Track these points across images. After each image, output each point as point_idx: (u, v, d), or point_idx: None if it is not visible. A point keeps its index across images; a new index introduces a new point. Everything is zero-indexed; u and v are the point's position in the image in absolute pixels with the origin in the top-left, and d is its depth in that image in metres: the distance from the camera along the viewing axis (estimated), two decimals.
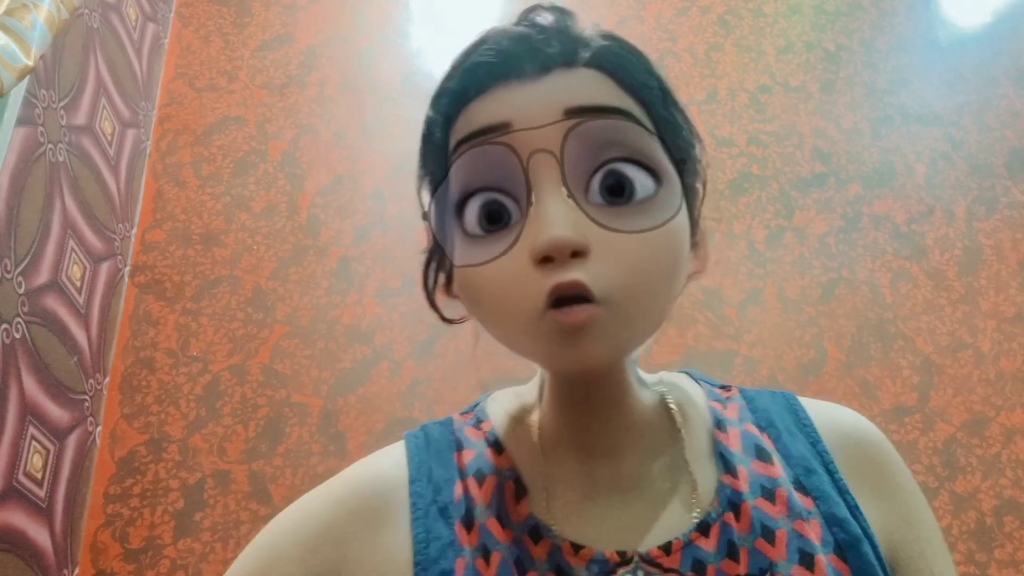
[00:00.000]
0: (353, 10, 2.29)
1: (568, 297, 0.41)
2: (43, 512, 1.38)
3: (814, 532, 0.48)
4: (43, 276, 1.47)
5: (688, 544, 0.47)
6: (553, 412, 0.51)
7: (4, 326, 1.33)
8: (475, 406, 0.58)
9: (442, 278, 0.52)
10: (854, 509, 0.50)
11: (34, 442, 1.38)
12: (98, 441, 1.61)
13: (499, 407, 0.56)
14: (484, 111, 0.44)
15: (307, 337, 1.76)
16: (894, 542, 0.51)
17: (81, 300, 1.60)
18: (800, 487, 0.50)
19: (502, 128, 0.43)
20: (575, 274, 0.40)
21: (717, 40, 2.28)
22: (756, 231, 1.96)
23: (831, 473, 0.51)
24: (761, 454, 0.52)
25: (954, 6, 2.41)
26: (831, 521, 0.49)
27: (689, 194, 0.47)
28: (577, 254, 0.41)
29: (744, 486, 0.50)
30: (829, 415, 0.56)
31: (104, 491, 1.57)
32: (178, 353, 1.72)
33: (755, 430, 0.54)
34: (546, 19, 0.46)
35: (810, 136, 2.11)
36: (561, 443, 0.51)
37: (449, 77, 0.47)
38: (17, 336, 1.36)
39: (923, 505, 0.53)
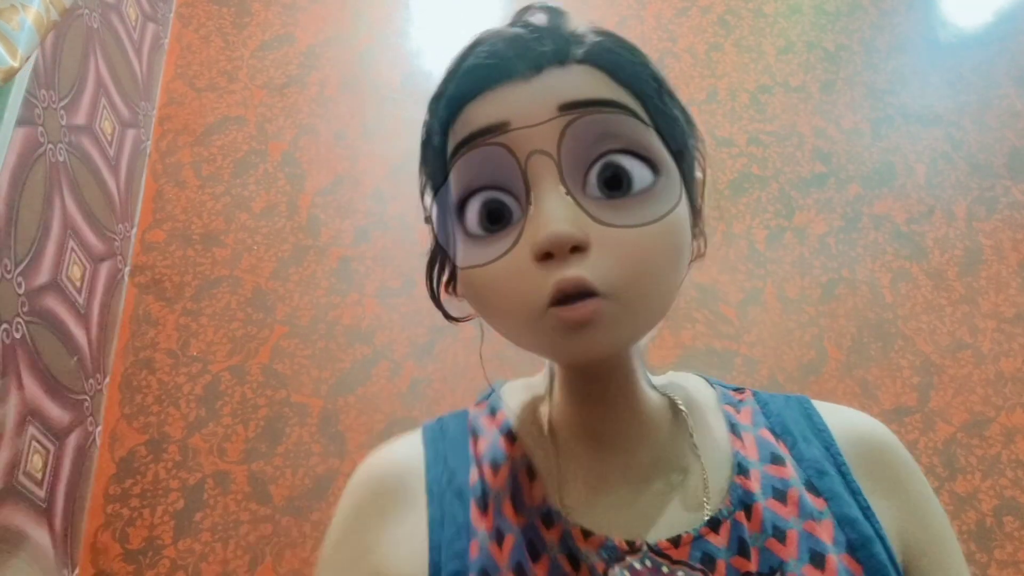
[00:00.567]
0: (353, 10, 2.29)
1: (570, 295, 0.41)
2: (43, 512, 1.38)
3: (826, 532, 0.49)
4: (43, 276, 1.47)
5: (698, 538, 0.48)
6: (563, 404, 0.52)
7: (4, 326, 1.33)
8: (488, 395, 0.58)
9: (446, 278, 0.52)
10: (866, 510, 0.50)
11: (34, 442, 1.38)
12: (98, 441, 1.61)
13: (512, 397, 0.57)
14: (480, 113, 0.44)
15: (307, 337, 1.76)
16: (908, 543, 0.51)
17: (81, 300, 1.60)
18: (812, 488, 0.51)
19: (499, 128, 0.43)
20: (576, 270, 0.41)
21: (717, 40, 2.28)
22: (756, 231, 1.96)
23: (843, 475, 0.52)
24: (776, 460, 0.52)
25: (954, 6, 2.41)
26: (843, 521, 0.49)
27: (689, 184, 0.47)
28: (577, 249, 0.41)
29: (756, 487, 0.50)
30: (844, 419, 0.56)
31: (104, 491, 1.57)
32: (178, 353, 1.72)
33: (770, 436, 0.54)
34: (539, 19, 0.47)
35: (810, 136, 2.11)
36: (572, 434, 0.52)
37: (445, 81, 0.47)
38: (17, 336, 1.36)
39: (937, 508, 0.53)
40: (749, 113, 2.14)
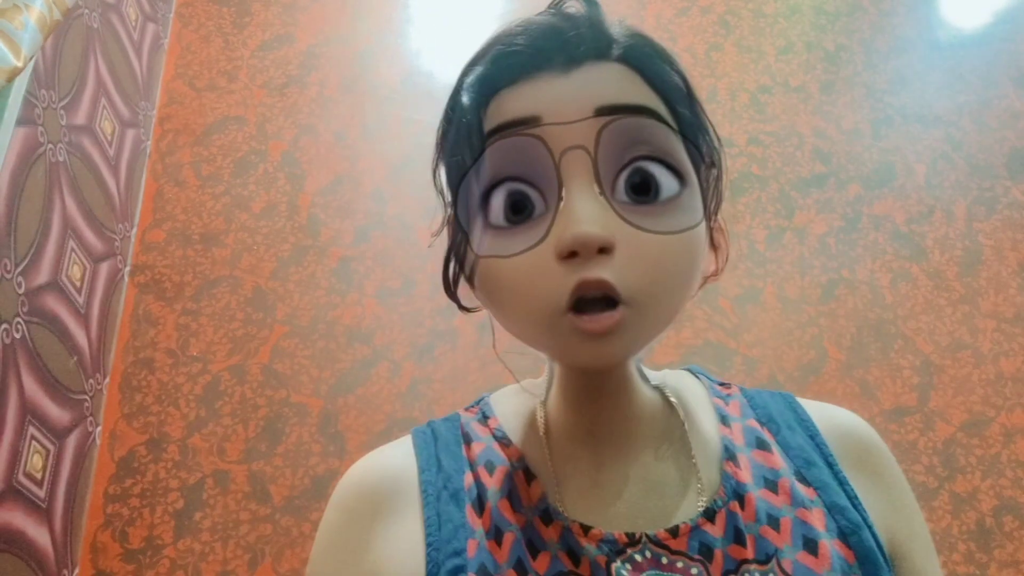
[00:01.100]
0: (353, 10, 2.29)
1: (590, 299, 0.41)
2: (43, 512, 1.38)
3: (817, 520, 0.49)
4: (43, 276, 1.47)
5: (695, 528, 0.49)
6: (562, 404, 0.52)
7: (4, 326, 1.33)
8: (479, 402, 0.58)
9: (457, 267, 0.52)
10: (853, 499, 0.51)
11: (34, 442, 1.38)
12: (98, 441, 1.61)
13: (504, 404, 0.57)
14: (515, 102, 0.44)
15: (307, 337, 1.76)
16: (890, 531, 0.52)
17: (81, 300, 1.60)
18: (802, 478, 0.52)
19: (533, 121, 0.43)
20: (600, 272, 0.41)
21: (717, 40, 2.28)
22: (756, 231, 1.96)
23: (830, 465, 0.53)
24: (762, 445, 0.53)
25: (954, 7, 2.41)
26: (833, 509, 0.50)
27: (707, 197, 0.48)
28: (603, 251, 0.41)
29: (747, 477, 0.51)
30: (826, 412, 0.57)
31: (104, 491, 1.57)
32: (178, 353, 1.72)
33: (756, 425, 0.55)
34: (576, 10, 0.47)
35: (810, 136, 2.12)
36: (569, 434, 0.52)
37: (479, 63, 0.47)
38: (17, 336, 1.36)
39: (915, 505, 0.55)
40: (749, 113, 2.14)
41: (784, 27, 2.32)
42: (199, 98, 2.09)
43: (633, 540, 0.48)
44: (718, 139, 0.50)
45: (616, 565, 0.47)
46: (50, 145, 1.55)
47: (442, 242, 0.52)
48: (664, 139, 0.44)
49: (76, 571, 1.47)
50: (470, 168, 0.45)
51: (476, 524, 0.49)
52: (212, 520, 1.54)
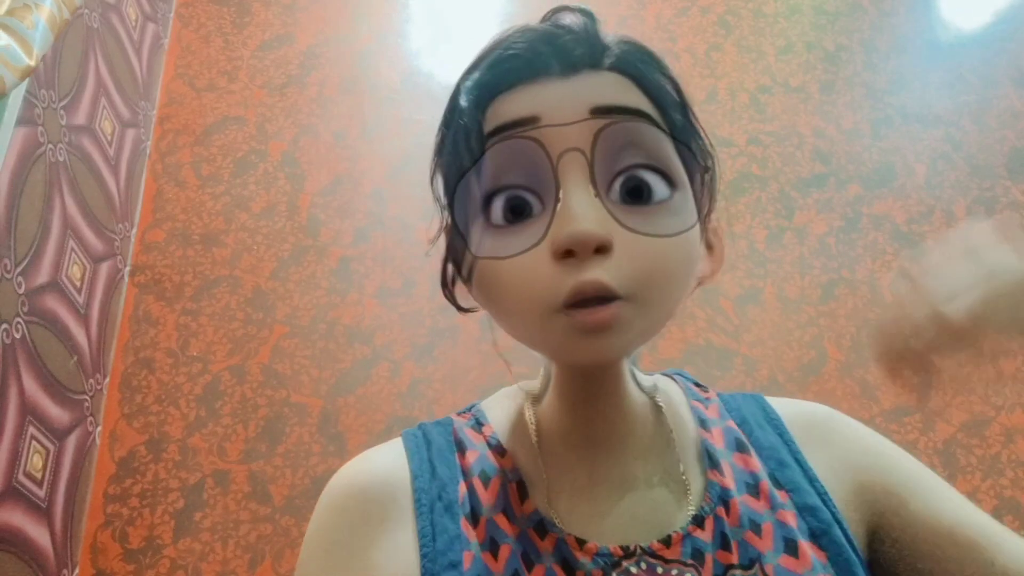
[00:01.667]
0: (353, 10, 2.29)
1: (590, 296, 0.42)
2: (43, 512, 1.38)
3: (792, 521, 0.50)
4: (43, 276, 1.47)
5: (687, 535, 0.49)
6: (557, 407, 0.53)
7: (4, 326, 1.33)
8: (471, 408, 0.58)
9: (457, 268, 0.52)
10: (824, 495, 0.51)
11: (34, 442, 1.38)
12: (98, 441, 1.61)
13: (496, 410, 0.57)
14: (513, 105, 0.45)
15: (307, 337, 1.76)
16: (872, 496, 0.51)
17: (81, 300, 1.60)
18: (775, 481, 0.52)
19: (531, 122, 0.44)
20: (596, 273, 0.42)
21: (717, 40, 2.28)
22: (756, 231, 1.96)
23: (799, 462, 0.53)
24: (741, 447, 0.54)
25: (954, 7, 2.41)
26: (803, 510, 0.51)
27: (700, 201, 0.49)
28: (600, 250, 0.42)
29: (730, 483, 0.52)
30: (791, 407, 0.58)
31: (104, 491, 1.57)
32: (178, 353, 1.72)
33: (734, 426, 0.56)
34: (572, 20, 0.48)
35: (810, 136, 2.11)
36: (562, 439, 0.53)
37: (477, 68, 0.48)
38: (17, 336, 1.36)
39: (893, 451, 0.54)
40: (749, 113, 2.14)
41: (784, 27, 2.31)
42: (199, 98, 2.09)
43: (628, 552, 0.48)
44: (711, 144, 0.51)
45: None
46: (50, 145, 1.55)
47: (441, 243, 0.52)
48: (657, 143, 0.45)
49: (76, 571, 1.47)
50: (469, 170, 0.45)
51: (471, 536, 0.49)
52: (212, 520, 1.54)
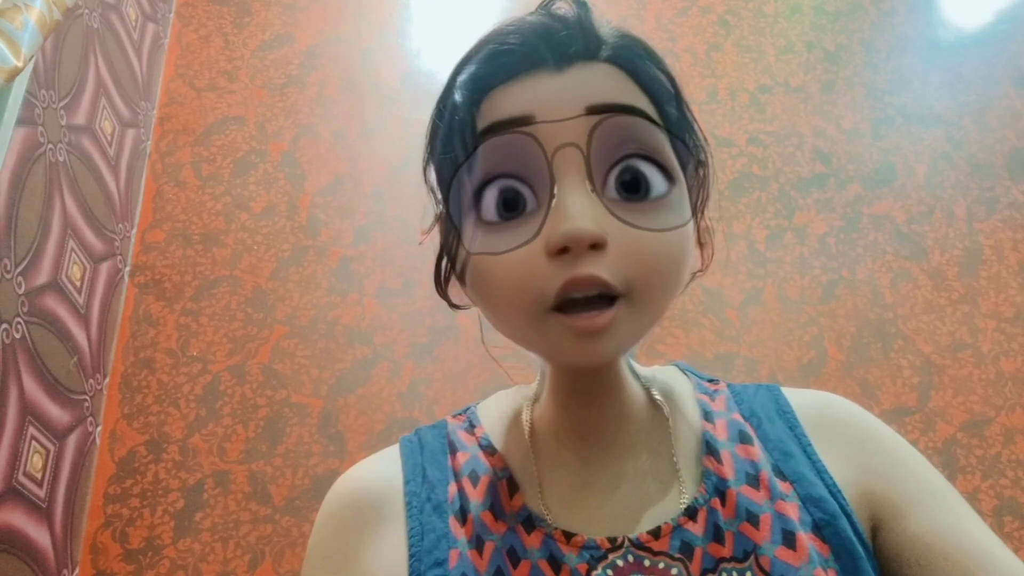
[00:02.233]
0: (353, 10, 2.29)
1: (581, 298, 0.41)
2: (43, 512, 1.38)
3: (793, 513, 0.49)
4: (43, 276, 1.47)
5: (676, 528, 0.49)
6: (552, 405, 0.52)
7: (4, 326, 1.33)
8: (466, 411, 0.59)
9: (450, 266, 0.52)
10: (832, 487, 0.50)
11: (34, 442, 1.38)
12: (98, 441, 1.61)
13: (490, 411, 0.58)
14: (508, 101, 0.45)
15: (307, 337, 1.76)
16: (876, 494, 0.50)
17: (81, 300, 1.60)
18: (778, 472, 0.51)
19: (526, 121, 0.44)
20: (591, 269, 0.41)
21: (717, 40, 2.28)
22: (756, 231, 1.96)
23: (808, 455, 0.52)
24: (744, 438, 0.53)
25: (954, 6, 2.41)
26: (808, 501, 0.50)
27: (694, 195, 0.48)
28: (595, 247, 0.41)
29: (729, 473, 0.51)
30: (807, 398, 0.57)
31: (104, 491, 1.57)
32: (178, 353, 1.72)
33: (740, 418, 0.55)
34: (566, 11, 0.47)
35: (810, 136, 2.11)
36: (555, 436, 0.53)
37: (471, 61, 0.47)
38: (17, 336, 1.36)
39: (911, 456, 0.52)
40: (749, 113, 2.14)
41: (784, 27, 2.31)
42: (199, 98, 2.09)
43: (615, 545, 0.48)
44: (705, 138, 0.50)
45: (597, 573, 0.47)
46: (50, 145, 1.55)
47: (436, 240, 0.52)
48: (652, 138, 0.44)
49: (76, 571, 1.47)
50: (462, 164, 0.45)
51: (459, 534, 0.49)
52: (212, 520, 1.54)
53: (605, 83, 0.45)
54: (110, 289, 1.73)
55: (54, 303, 1.50)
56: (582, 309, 0.42)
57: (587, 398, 0.51)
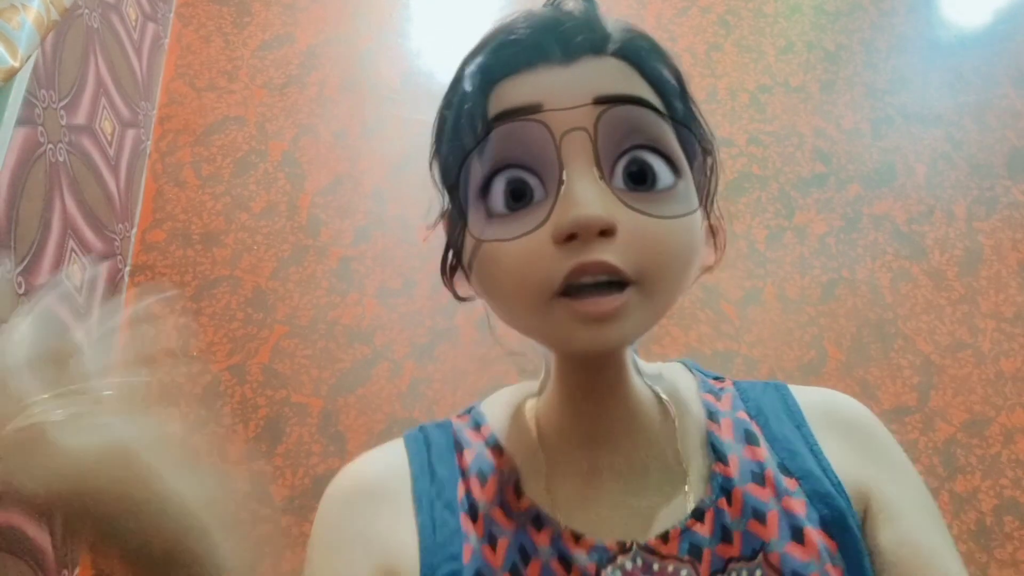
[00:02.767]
0: (353, 10, 2.29)
1: (591, 284, 0.41)
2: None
3: (800, 509, 0.49)
4: (43, 276, 1.47)
5: (685, 530, 0.49)
6: (558, 400, 0.52)
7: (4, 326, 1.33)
8: (470, 411, 0.58)
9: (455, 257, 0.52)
10: (837, 485, 0.51)
11: None
12: None
13: (495, 408, 0.57)
14: (516, 91, 0.45)
15: (307, 337, 1.76)
16: (867, 489, 0.51)
17: (81, 300, 1.60)
18: (784, 470, 0.51)
19: (533, 109, 0.44)
20: (601, 255, 0.41)
21: (717, 40, 2.28)
22: (756, 231, 1.96)
23: (814, 453, 0.52)
24: (750, 439, 0.53)
25: (954, 6, 2.41)
26: (814, 498, 0.50)
27: (701, 188, 0.49)
28: (604, 233, 0.41)
29: (735, 472, 0.51)
30: (815, 397, 0.57)
31: None
32: (178, 353, 1.72)
33: (746, 417, 0.55)
34: (573, 6, 0.48)
35: (810, 136, 2.11)
36: (562, 433, 0.52)
37: (480, 53, 0.47)
38: None
39: (907, 465, 0.53)
40: (749, 113, 2.14)
41: (784, 27, 2.31)
42: (199, 98, 2.09)
43: (624, 548, 0.48)
44: (711, 131, 0.51)
45: (606, 573, 0.47)
46: (50, 145, 1.55)
47: (439, 239, 0.52)
48: (659, 130, 0.45)
49: (76, 571, 1.47)
50: (471, 152, 0.45)
51: (471, 530, 0.49)
52: None
53: (612, 76, 0.45)
54: (110, 289, 1.73)
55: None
56: (590, 294, 0.41)
57: (593, 392, 0.50)
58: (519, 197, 0.44)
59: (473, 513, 0.50)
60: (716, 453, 0.52)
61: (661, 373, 0.56)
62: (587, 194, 0.41)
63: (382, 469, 0.53)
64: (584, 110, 0.43)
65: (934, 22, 2.36)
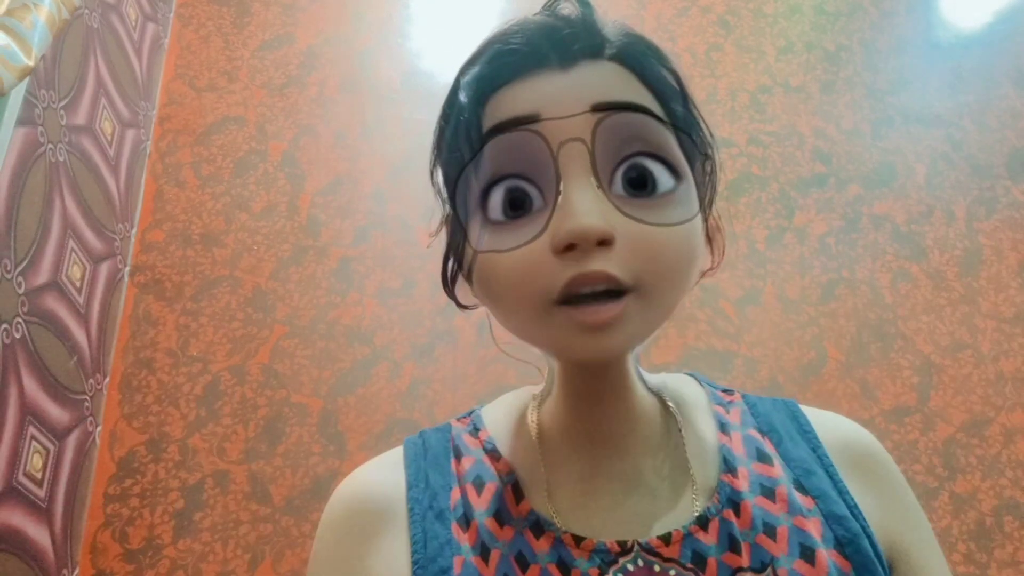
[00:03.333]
0: (353, 10, 2.29)
1: (589, 293, 0.41)
2: (43, 512, 1.38)
3: (814, 529, 0.49)
4: (43, 276, 1.47)
5: (688, 536, 0.48)
6: (560, 406, 0.52)
7: (4, 326, 1.33)
8: (470, 414, 0.58)
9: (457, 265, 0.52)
10: (853, 508, 0.50)
11: (34, 442, 1.38)
12: (98, 441, 1.61)
13: (495, 413, 0.57)
14: (514, 100, 0.45)
15: (307, 337, 1.76)
16: (893, 539, 0.51)
17: (81, 300, 1.60)
18: (800, 487, 0.51)
19: (530, 119, 0.44)
20: (600, 265, 0.41)
21: (717, 40, 2.28)
22: (756, 231, 1.96)
23: (831, 476, 0.52)
24: (762, 457, 0.53)
25: (954, 7, 2.41)
26: (830, 518, 0.50)
27: (702, 191, 0.48)
28: (603, 243, 0.41)
29: (744, 485, 0.51)
30: (829, 422, 0.57)
31: (104, 491, 1.57)
32: (178, 353, 1.72)
33: (757, 435, 0.55)
34: (569, 11, 0.47)
35: (810, 136, 2.11)
36: (563, 436, 0.52)
37: (476, 62, 0.47)
38: (17, 336, 1.36)
39: (919, 508, 0.54)
40: (749, 113, 2.14)
41: (784, 27, 2.31)
42: (199, 98, 2.09)
43: (625, 548, 0.48)
44: (711, 134, 0.50)
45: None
46: (50, 145, 1.55)
47: (441, 242, 0.52)
48: (659, 135, 0.44)
49: (76, 571, 1.47)
50: (468, 163, 0.45)
51: (463, 540, 0.49)
52: (212, 520, 1.54)
53: (610, 82, 0.45)
54: (110, 289, 1.73)
55: (54, 303, 1.50)
56: (589, 303, 0.41)
57: (595, 398, 0.50)
58: (518, 205, 0.44)
59: (466, 522, 0.50)
60: (728, 466, 0.52)
61: (666, 383, 0.56)
62: (584, 204, 0.41)
63: (376, 484, 0.53)
64: (581, 118, 0.43)
65: (934, 22, 2.36)
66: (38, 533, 1.36)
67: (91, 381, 1.60)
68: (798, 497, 0.50)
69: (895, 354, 1.81)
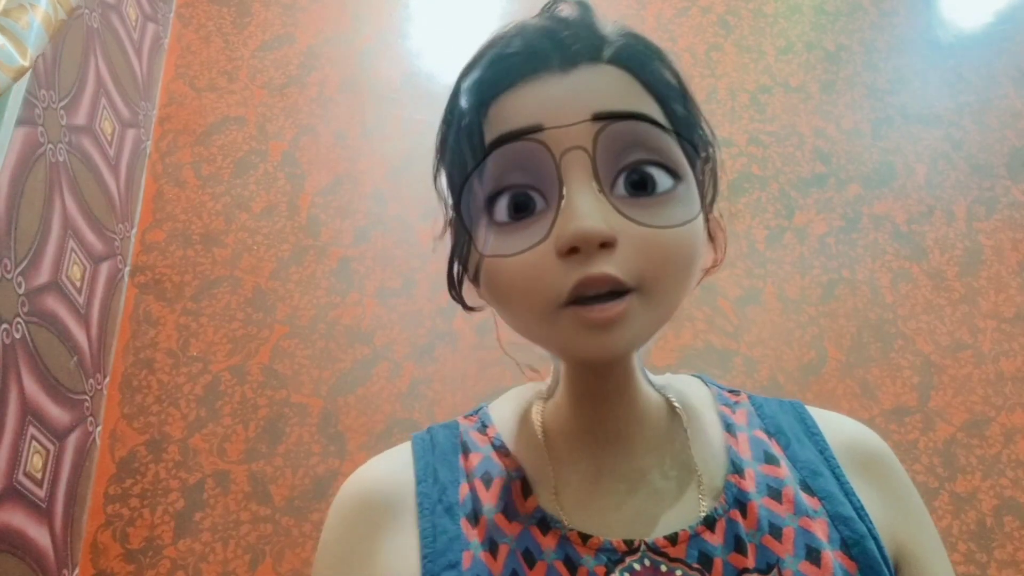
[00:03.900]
0: (353, 10, 2.29)
1: (593, 295, 0.42)
2: (43, 512, 1.38)
3: (820, 530, 0.49)
4: (43, 276, 1.47)
5: (694, 536, 0.48)
6: (565, 405, 0.52)
7: (4, 326, 1.33)
8: (478, 411, 0.58)
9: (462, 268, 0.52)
10: (859, 510, 0.51)
11: (34, 442, 1.38)
12: (98, 441, 1.61)
13: (503, 411, 0.57)
14: (515, 108, 0.45)
15: (307, 337, 1.76)
16: (899, 542, 0.52)
17: (81, 300, 1.60)
18: (806, 488, 0.52)
19: (532, 130, 0.44)
20: (603, 267, 0.42)
21: (717, 40, 2.28)
22: (756, 231, 1.96)
23: (837, 477, 0.53)
24: (769, 459, 0.53)
25: (954, 6, 2.41)
26: (837, 520, 0.50)
27: (703, 189, 0.49)
28: (605, 245, 0.42)
29: (751, 486, 0.51)
30: (836, 423, 0.57)
31: (104, 491, 1.57)
32: (178, 353, 1.72)
33: (764, 436, 0.55)
34: (569, 13, 0.48)
35: (810, 136, 2.11)
36: (569, 435, 0.52)
37: (476, 67, 0.48)
38: (17, 336, 1.36)
39: (925, 510, 0.55)
40: (749, 113, 2.14)
41: (784, 27, 2.31)
42: (199, 98, 2.09)
43: (632, 548, 0.48)
44: (712, 133, 0.51)
45: (615, 575, 0.47)
46: (50, 145, 1.55)
47: (444, 243, 0.52)
48: (659, 140, 0.45)
49: (76, 571, 1.47)
50: (472, 172, 0.45)
51: (471, 536, 0.49)
52: (212, 520, 1.54)
53: (610, 87, 0.45)
54: (110, 289, 1.73)
55: (54, 303, 1.50)
56: (594, 303, 0.42)
57: (600, 398, 0.51)
58: (522, 208, 0.45)
59: (475, 517, 0.50)
60: (735, 466, 0.52)
61: (672, 383, 0.56)
62: (587, 208, 0.42)
63: (385, 478, 0.53)
64: (583, 127, 0.44)
65: (934, 22, 2.36)
66: (38, 533, 1.36)
67: (91, 381, 1.60)
68: (804, 498, 0.51)
69: (895, 354, 1.81)
